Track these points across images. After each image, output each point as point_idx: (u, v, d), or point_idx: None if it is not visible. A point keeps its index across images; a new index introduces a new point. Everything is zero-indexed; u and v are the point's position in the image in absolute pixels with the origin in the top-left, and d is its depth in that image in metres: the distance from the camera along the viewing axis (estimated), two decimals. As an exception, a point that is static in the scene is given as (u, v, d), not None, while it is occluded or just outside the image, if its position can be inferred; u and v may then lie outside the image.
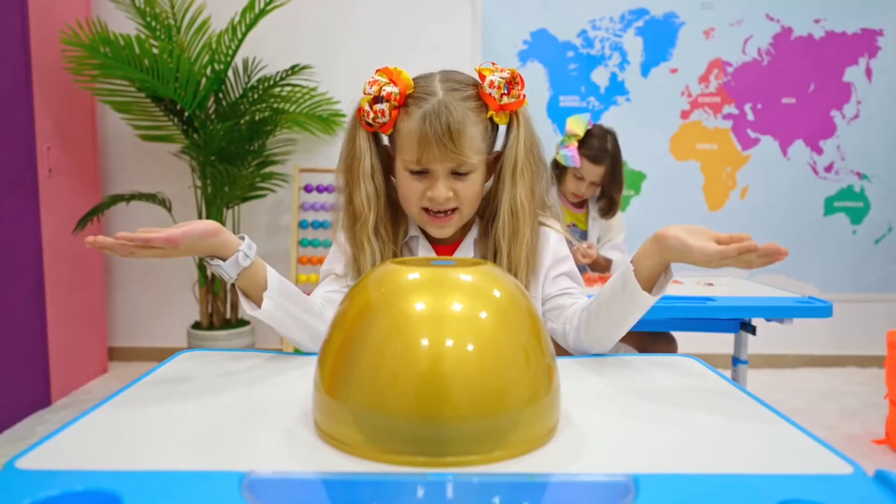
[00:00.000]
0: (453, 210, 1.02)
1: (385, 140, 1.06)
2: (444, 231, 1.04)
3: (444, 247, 1.10)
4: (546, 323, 1.04)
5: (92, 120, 3.03)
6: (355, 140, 1.02)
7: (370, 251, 1.02)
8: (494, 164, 1.05)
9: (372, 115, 0.98)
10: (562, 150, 2.18)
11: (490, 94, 0.97)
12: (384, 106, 0.97)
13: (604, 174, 2.19)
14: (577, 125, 2.18)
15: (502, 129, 1.04)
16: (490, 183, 1.07)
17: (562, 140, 2.22)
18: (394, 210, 1.07)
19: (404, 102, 0.98)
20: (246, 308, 0.92)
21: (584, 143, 2.18)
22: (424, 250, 1.08)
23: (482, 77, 0.99)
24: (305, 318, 0.96)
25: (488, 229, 1.05)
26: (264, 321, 0.93)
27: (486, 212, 1.06)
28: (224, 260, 0.87)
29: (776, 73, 3.23)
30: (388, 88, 0.97)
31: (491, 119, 0.99)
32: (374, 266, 0.96)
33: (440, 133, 0.94)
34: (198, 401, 0.75)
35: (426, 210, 1.02)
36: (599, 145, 2.17)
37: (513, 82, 0.97)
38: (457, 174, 0.99)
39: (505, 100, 0.97)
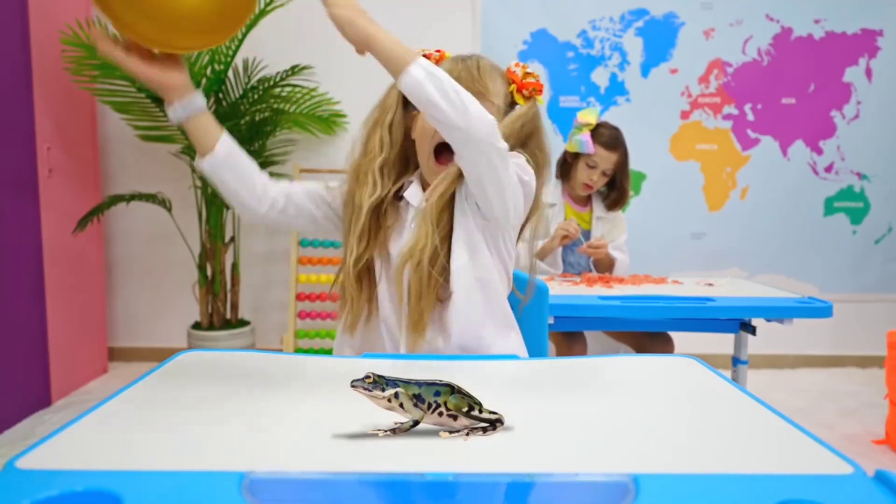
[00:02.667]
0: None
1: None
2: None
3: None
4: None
5: (92, 120, 3.02)
6: (388, 95, 1.12)
7: (371, 186, 1.08)
8: None
9: None
10: (575, 137, 2.21)
11: (515, 71, 1.13)
12: None
13: (616, 161, 2.23)
14: (589, 115, 2.24)
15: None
16: None
17: (573, 131, 2.25)
18: (402, 165, 1.15)
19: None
20: (199, 159, 1.01)
21: (596, 132, 2.22)
22: (415, 188, 1.14)
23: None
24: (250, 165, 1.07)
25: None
26: (214, 166, 1.01)
27: None
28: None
29: (776, 74, 3.23)
30: (430, 51, 1.10)
31: (511, 98, 1.13)
32: (372, 202, 1.06)
33: (470, 68, 1.09)
34: (198, 401, 0.75)
35: (435, 153, 1.09)
36: (611, 133, 2.23)
37: (530, 73, 1.13)
38: None
39: (527, 79, 1.12)
